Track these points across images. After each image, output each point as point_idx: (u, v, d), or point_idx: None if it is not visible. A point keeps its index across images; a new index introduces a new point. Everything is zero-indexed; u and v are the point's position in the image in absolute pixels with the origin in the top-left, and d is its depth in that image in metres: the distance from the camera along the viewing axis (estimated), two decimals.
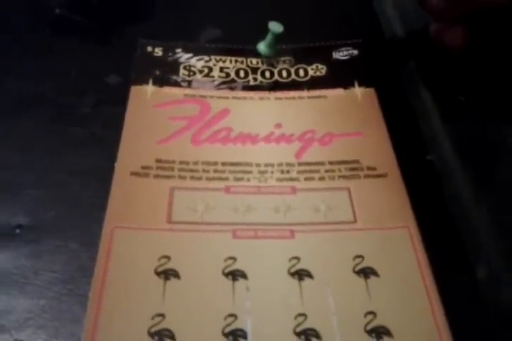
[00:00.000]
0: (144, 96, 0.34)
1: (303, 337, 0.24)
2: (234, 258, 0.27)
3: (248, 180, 0.30)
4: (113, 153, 0.31)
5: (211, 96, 0.35)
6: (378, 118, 0.33)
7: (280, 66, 0.37)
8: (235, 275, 0.26)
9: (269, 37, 0.37)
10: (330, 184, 0.30)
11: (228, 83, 0.36)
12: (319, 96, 0.35)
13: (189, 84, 0.35)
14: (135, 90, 0.34)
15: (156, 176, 0.30)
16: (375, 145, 0.32)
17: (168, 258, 0.26)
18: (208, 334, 0.24)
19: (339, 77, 0.36)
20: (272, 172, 0.30)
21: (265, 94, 0.35)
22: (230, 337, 0.24)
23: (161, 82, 0.35)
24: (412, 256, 0.27)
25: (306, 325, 0.24)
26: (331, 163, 0.31)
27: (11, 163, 0.31)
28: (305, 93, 0.35)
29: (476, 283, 0.27)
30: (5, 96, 0.35)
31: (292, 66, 0.37)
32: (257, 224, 0.28)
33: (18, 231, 0.29)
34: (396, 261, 0.27)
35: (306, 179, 0.30)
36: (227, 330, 0.24)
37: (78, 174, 0.31)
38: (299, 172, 0.30)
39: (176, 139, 0.32)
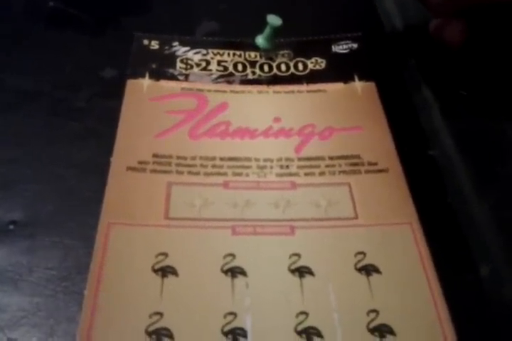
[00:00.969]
0: (140, 89, 0.34)
1: (304, 335, 0.23)
2: (233, 255, 0.26)
3: (247, 175, 0.30)
4: (109, 148, 0.30)
5: (209, 90, 0.34)
6: (379, 113, 0.33)
7: (279, 60, 0.36)
8: (234, 272, 0.25)
9: (267, 30, 0.36)
10: (330, 179, 0.29)
11: (226, 77, 0.35)
12: (319, 90, 0.34)
13: (186, 77, 0.35)
14: (131, 84, 0.34)
15: (153, 171, 0.29)
16: (375, 139, 0.31)
17: (165, 255, 0.26)
18: (207, 333, 0.23)
19: (339, 70, 0.35)
20: (272, 168, 0.30)
21: (264, 87, 0.35)
22: (230, 336, 0.23)
23: (158, 75, 0.34)
24: (415, 253, 0.26)
25: (308, 323, 0.24)
26: (331, 157, 0.30)
27: (4, 158, 0.31)
28: (304, 87, 0.35)
29: (479, 280, 0.27)
30: (0, 91, 0.34)
31: (291, 60, 0.36)
32: (256, 220, 0.28)
33: (12, 227, 0.28)
34: (398, 258, 0.26)
35: (306, 174, 0.30)
36: (226, 329, 0.24)
37: (74, 169, 0.30)
38: (298, 167, 0.30)
39: (173, 133, 0.31)
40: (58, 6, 0.40)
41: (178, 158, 0.30)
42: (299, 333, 0.23)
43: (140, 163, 0.30)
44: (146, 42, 0.37)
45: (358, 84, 0.34)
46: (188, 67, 0.35)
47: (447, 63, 0.36)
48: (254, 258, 0.26)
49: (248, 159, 0.30)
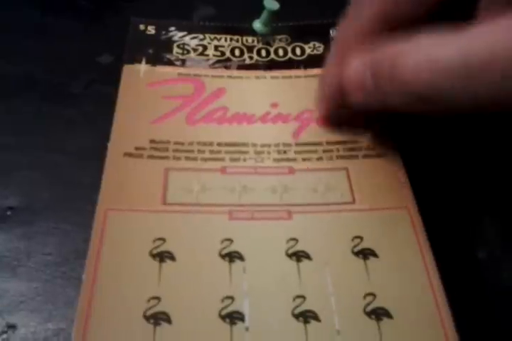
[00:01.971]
0: (137, 75, 0.33)
1: (301, 318, 0.24)
2: (230, 240, 0.26)
3: (244, 160, 0.30)
4: (106, 133, 0.30)
5: (206, 75, 0.34)
6: None
7: (276, 44, 0.36)
8: (232, 256, 0.25)
9: (264, 14, 0.36)
10: (328, 164, 0.29)
11: (223, 62, 0.35)
12: (316, 75, 0.34)
13: (183, 62, 0.35)
14: (128, 69, 0.33)
15: (150, 157, 0.29)
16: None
17: (163, 240, 0.26)
18: (204, 317, 0.23)
19: None
20: (269, 153, 0.30)
21: (261, 73, 0.34)
22: (227, 320, 0.23)
23: (154, 60, 0.34)
24: (412, 237, 0.26)
25: (305, 306, 0.24)
26: (328, 143, 0.30)
27: (1, 144, 0.31)
28: (302, 72, 0.34)
29: (477, 263, 0.27)
30: None
31: (289, 44, 0.36)
32: (253, 205, 0.28)
33: (9, 213, 0.28)
34: (395, 242, 0.26)
35: (303, 159, 0.30)
36: (224, 313, 0.24)
37: (71, 155, 0.30)
38: (296, 152, 0.30)
39: (170, 119, 0.31)
40: None
41: (176, 143, 0.30)
42: (296, 316, 0.24)
43: (137, 148, 0.30)
44: (142, 27, 0.36)
45: None
46: (185, 52, 0.35)
47: None
48: (251, 242, 0.26)
49: (245, 144, 0.30)
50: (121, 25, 0.37)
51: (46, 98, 0.33)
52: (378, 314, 0.24)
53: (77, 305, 0.23)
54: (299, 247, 0.26)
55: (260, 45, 0.36)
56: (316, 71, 0.34)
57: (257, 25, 0.36)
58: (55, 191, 0.29)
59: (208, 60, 0.35)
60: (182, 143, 0.30)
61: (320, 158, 0.30)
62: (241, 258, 0.25)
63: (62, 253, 0.27)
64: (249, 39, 0.36)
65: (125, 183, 0.28)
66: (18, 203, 0.29)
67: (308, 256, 0.26)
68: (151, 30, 0.36)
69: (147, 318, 0.23)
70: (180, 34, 0.36)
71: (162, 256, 0.25)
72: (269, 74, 0.34)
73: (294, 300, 0.24)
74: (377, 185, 0.28)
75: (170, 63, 0.34)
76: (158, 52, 0.35)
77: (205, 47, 0.35)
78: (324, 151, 0.30)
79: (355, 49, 0.25)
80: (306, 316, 0.24)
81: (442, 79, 0.20)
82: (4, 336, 0.24)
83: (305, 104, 0.32)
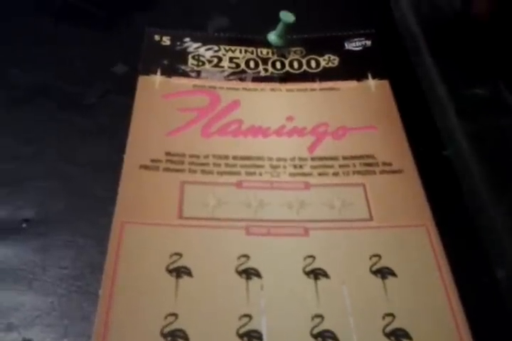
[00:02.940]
0: (152, 86, 0.33)
1: (320, 339, 0.23)
2: (247, 256, 0.26)
3: (260, 174, 0.29)
4: (121, 145, 0.30)
5: (221, 87, 0.34)
6: (393, 112, 0.32)
7: (291, 57, 0.36)
8: (249, 273, 0.25)
9: (280, 27, 0.36)
10: (344, 180, 0.29)
11: (238, 74, 0.35)
12: (332, 88, 0.34)
13: (198, 74, 0.34)
14: (143, 80, 0.33)
15: (166, 169, 0.29)
16: (390, 139, 0.31)
17: (179, 255, 0.26)
18: (222, 336, 0.23)
19: (352, 68, 0.35)
20: (285, 167, 0.30)
21: (276, 85, 0.34)
22: (245, 338, 0.23)
23: (170, 72, 0.34)
24: (430, 256, 0.26)
25: (323, 326, 0.24)
26: (345, 157, 0.30)
27: (16, 155, 0.31)
28: (317, 85, 0.34)
29: (495, 283, 0.26)
30: (11, 87, 0.34)
31: (303, 57, 0.36)
32: (270, 220, 0.27)
33: (24, 225, 0.28)
34: (414, 261, 0.26)
35: (319, 174, 0.29)
36: (241, 331, 0.23)
37: (86, 166, 0.30)
38: (312, 167, 0.30)
39: (185, 131, 0.31)
40: (70, 0, 0.39)
41: (191, 156, 0.30)
42: (315, 336, 0.23)
43: (153, 161, 0.29)
44: (157, 37, 0.36)
45: (371, 82, 0.34)
46: (200, 63, 0.35)
47: (462, 61, 0.36)
48: (268, 259, 0.26)
49: (261, 158, 0.30)
50: (135, 34, 0.37)
51: (60, 107, 0.33)
52: (398, 335, 0.23)
53: (95, 321, 0.23)
54: (316, 265, 0.26)
55: (275, 57, 0.36)
56: (331, 84, 0.34)
57: (272, 37, 0.36)
58: (71, 203, 0.29)
59: (222, 71, 0.35)
60: (197, 156, 0.30)
61: (336, 173, 0.30)
62: (258, 275, 0.25)
63: (78, 267, 0.27)
64: (264, 51, 0.36)
65: (141, 196, 0.28)
66: (33, 215, 0.28)
67: (325, 274, 0.25)
68: (166, 40, 0.36)
69: (164, 336, 0.23)
70: (195, 45, 0.36)
71: (179, 272, 0.25)
72: (284, 86, 0.34)
73: (312, 319, 0.24)
74: (394, 201, 0.28)
75: (185, 74, 0.34)
76: (173, 63, 0.35)
77: (220, 59, 0.35)
78: (340, 166, 0.30)
79: None
80: (325, 336, 0.23)
81: None
82: None
83: (320, 117, 0.32)
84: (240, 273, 0.25)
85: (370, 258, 0.26)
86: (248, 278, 0.25)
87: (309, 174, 0.30)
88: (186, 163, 0.30)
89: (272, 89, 0.34)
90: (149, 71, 0.34)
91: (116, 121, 0.32)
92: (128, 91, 0.33)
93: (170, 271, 0.25)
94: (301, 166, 0.30)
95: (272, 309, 0.24)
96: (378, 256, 0.26)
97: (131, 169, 0.29)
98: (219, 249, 0.26)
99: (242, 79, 0.35)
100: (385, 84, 0.34)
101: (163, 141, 0.31)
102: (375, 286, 0.25)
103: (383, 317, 0.24)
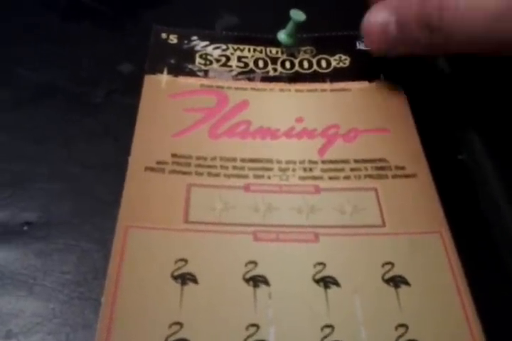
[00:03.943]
0: (159, 85, 0.32)
1: None
2: (255, 263, 0.25)
3: (269, 177, 0.29)
4: (126, 145, 0.29)
5: (229, 87, 0.33)
6: (406, 114, 0.31)
7: (301, 56, 0.35)
8: (257, 281, 0.24)
9: (290, 25, 0.35)
10: (356, 184, 0.28)
11: (247, 73, 0.34)
12: (343, 89, 0.33)
13: (205, 73, 0.34)
14: (149, 79, 0.33)
15: (172, 172, 0.28)
16: (403, 142, 0.30)
17: (185, 261, 0.25)
18: None
19: (363, 68, 0.34)
20: (294, 170, 0.29)
21: (285, 85, 0.33)
22: None
23: (176, 71, 0.33)
24: (445, 264, 0.25)
25: (334, 337, 0.23)
26: (356, 161, 0.29)
27: (19, 156, 0.30)
28: (327, 85, 0.33)
29: None
30: (15, 86, 0.33)
31: (313, 56, 0.35)
32: (278, 225, 0.27)
33: (26, 228, 0.27)
34: (428, 269, 0.25)
35: (330, 178, 0.29)
36: None
37: (90, 168, 0.30)
38: (322, 170, 0.29)
39: (192, 132, 0.30)
40: None
41: (198, 158, 0.29)
42: None
43: (158, 163, 0.29)
44: (164, 35, 0.35)
45: (383, 83, 0.33)
46: (208, 62, 0.34)
47: (478, 62, 0.35)
48: (276, 266, 0.25)
49: (270, 161, 0.29)
50: (142, 32, 0.36)
51: (65, 107, 0.32)
52: None
53: (97, 329, 0.23)
54: (326, 272, 0.25)
55: (284, 57, 0.35)
56: (342, 84, 0.33)
57: (282, 36, 0.35)
58: (74, 206, 0.28)
59: (231, 71, 0.34)
60: (204, 158, 0.29)
61: (347, 177, 0.29)
62: (266, 282, 0.24)
63: (81, 272, 0.26)
64: (273, 50, 0.35)
65: (146, 199, 0.27)
66: (35, 218, 0.28)
67: (336, 283, 0.24)
68: (173, 39, 0.35)
69: None
70: (203, 44, 0.35)
71: (184, 278, 0.24)
72: (293, 87, 0.33)
73: (322, 329, 0.23)
74: (407, 207, 0.27)
75: (192, 74, 0.33)
76: (180, 62, 0.34)
77: (228, 58, 0.35)
78: (352, 170, 0.29)
79: None
80: None
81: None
82: None
83: (331, 119, 0.31)
84: (248, 280, 0.24)
85: (383, 266, 0.25)
86: (256, 285, 0.24)
87: (319, 177, 0.29)
88: (193, 165, 0.29)
89: (281, 90, 0.33)
90: (156, 70, 0.33)
91: (121, 121, 0.31)
92: (134, 90, 0.32)
93: (175, 278, 0.24)
94: (311, 169, 0.29)
95: (281, 318, 0.23)
96: (391, 263, 0.25)
97: (136, 171, 0.28)
98: (226, 255, 0.25)
99: (250, 79, 0.34)
100: (398, 85, 0.33)
101: (170, 143, 0.30)
102: (387, 295, 0.24)
103: (396, 328, 0.23)
